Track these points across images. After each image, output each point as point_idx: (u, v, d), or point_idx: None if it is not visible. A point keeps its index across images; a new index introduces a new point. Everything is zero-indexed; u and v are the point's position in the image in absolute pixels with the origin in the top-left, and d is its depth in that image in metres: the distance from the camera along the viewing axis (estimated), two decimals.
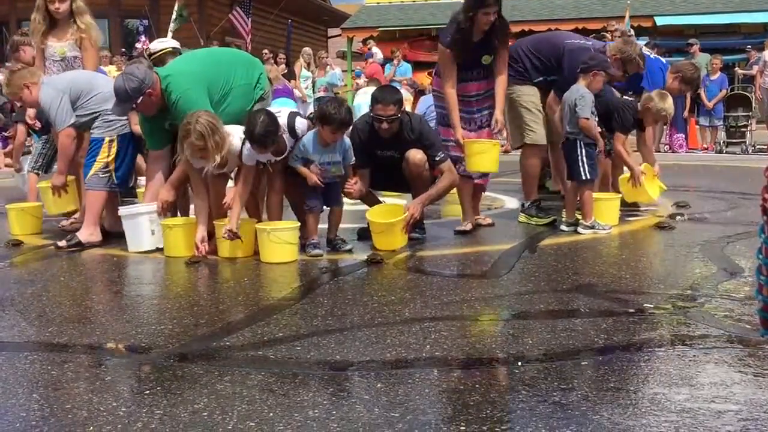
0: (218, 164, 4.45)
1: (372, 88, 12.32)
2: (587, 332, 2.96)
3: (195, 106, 4.52)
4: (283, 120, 4.54)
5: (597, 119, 5.24)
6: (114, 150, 5.07)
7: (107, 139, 5.06)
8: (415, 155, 4.88)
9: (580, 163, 5.18)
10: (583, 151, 5.18)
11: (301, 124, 4.62)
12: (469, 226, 5.30)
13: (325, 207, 4.74)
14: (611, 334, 2.93)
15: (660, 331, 2.97)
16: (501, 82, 5.25)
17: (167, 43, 5.83)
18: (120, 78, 4.61)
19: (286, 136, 4.54)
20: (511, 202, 6.80)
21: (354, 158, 4.80)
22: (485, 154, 5.07)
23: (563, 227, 5.27)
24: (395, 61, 15.25)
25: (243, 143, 4.49)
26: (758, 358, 2.62)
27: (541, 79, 5.57)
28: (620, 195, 5.80)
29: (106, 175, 5.07)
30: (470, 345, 2.84)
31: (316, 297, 3.64)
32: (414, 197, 5.08)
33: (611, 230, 5.21)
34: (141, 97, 4.53)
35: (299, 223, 4.63)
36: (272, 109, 4.70)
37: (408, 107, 9.65)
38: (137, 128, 5.06)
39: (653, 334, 2.94)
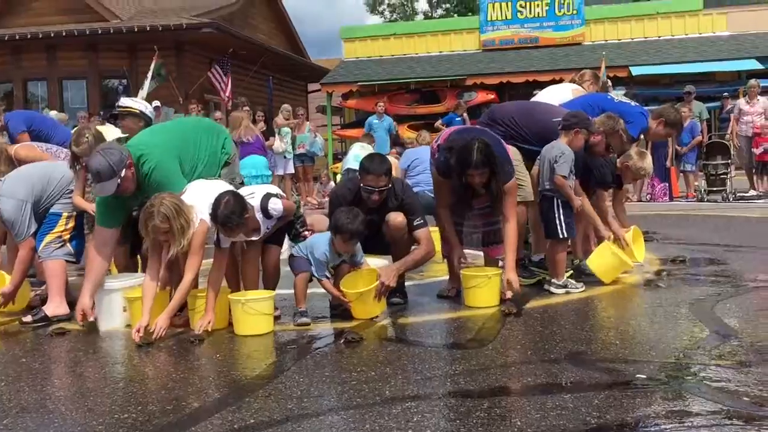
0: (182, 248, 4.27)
1: (367, 147, 12.36)
2: (578, 410, 2.80)
3: (170, 176, 4.42)
4: (256, 202, 4.46)
5: (575, 178, 5.16)
6: (71, 225, 4.93)
7: (65, 214, 4.91)
8: (396, 218, 4.78)
9: (557, 222, 5.08)
10: (560, 209, 5.08)
11: (275, 204, 4.51)
12: (453, 292, 5.14)
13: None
14: (603, 412, 2.77)
15: (654, 407, 2.81)
16: (511, 235, 4.81)
17: (137, 104, 5.70)
18: (98, 156, 4.33)
19: (259, 216, 4.45)
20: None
21: (361, 256, 4.76)
22: (484, 289, 4.76)
23: (552, 289, 5.12)
24: (377, 114, 15.27)
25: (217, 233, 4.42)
26: None
27: (525, 147, 5.40)
28: (631, 261, 5.63)
29: (60, 244, 4.89)
30: (454, 429, 2.67)
31: (292, 375, 3.46)
32: (394, 258, 4.96)
33: (583, 289, 5.09)
34: (124, 171, 4.35)
35: (274, 293, 4.48)
36: (246, 190, 4.62)
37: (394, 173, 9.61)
38: (79, 200, 4.92)
39: (648, 411, 2.78)
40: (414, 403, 2.96)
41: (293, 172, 14.14)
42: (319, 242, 4.60)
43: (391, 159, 10.71)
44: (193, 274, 4.34)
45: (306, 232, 4.86)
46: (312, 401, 3.05)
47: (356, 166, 9.93)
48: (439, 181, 5.00)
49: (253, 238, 4.53)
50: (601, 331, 4.03)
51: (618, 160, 5.74)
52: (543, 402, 2.90)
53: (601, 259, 5.32)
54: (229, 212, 4.21)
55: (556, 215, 5.09)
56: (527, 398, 2.98)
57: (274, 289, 4.65)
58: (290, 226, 4.81)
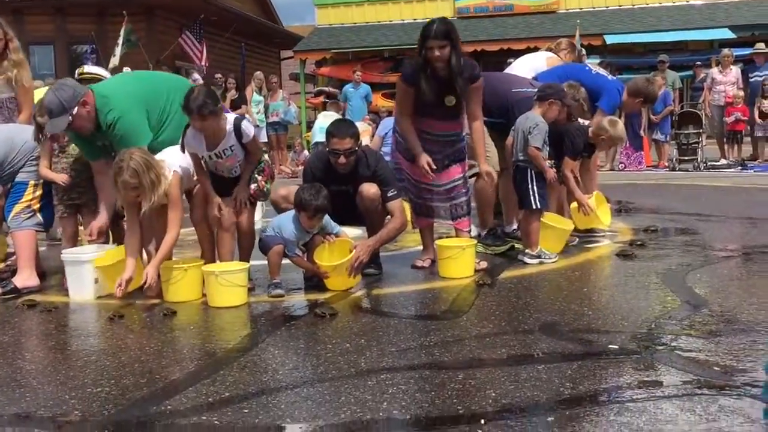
0: (154, 204, 4.29)
1: (332, 114, 12.25)
2: (552, 381, 2.82)
3: (135, 128, 4.41)
4: (229, 119, 4.45)
5: (548, 149, 5.16)
6: (39, 193, 4.86)
7: (32, 182, 4.83)
8: (369, 189, 4.76)
9: (531, 193, 5.10)
10: (534, 180, 5.09)
11: (248, 126, 4.51)
12: (427, 263, 5.15)
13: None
14: (577, 383, 2.79)
15: (627, 378, 2.84)
16: (477, 129, 4.93)
17: (102, 71, 5.60)
18: (50, 92, 4.40)
19: (230, 127, 4.43)
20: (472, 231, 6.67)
21: (340, 229, 4.73)
22: (458, 260, 4.78)
23: (526, 259, 5.15)
24: (355, 82, 15.15)
25: (183, 135, 4.40)
26: (729, 410, 2.50)
27: (486, 119, 5.37)
28: (571, 222, 5.69)
29: (30, 214, 4.82)
30: (429, 401, 2.68)
31: (267, 347, 3.45)
32: (368, 231, 4.94)
33: (557, 259, 5.12)
34: (76, 108, 4.30)
35: (248, 264, 4.45)
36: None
37: (367, 138, 9.53)
38: (45, 171, 4.85)
39: (620, 381, 2.82)
40: (389, 375, 2.96)
41: (266, 140, 14.03)
42: (286, 221, 4.56)
43: (364, 125, 10.68)
44: (177, 229, 4.36)
45: (261, 181, 4.67)
46: (287, 374, 3.05)
47: (322, 137, 9.88)
48: (403, 89, 4.90)
49: (223, 173, 4.53)
50: (574, 302, 4.06)
51: (590, 129, 5.75)
52: (517, 373, 2.92)
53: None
54: (203, 99, 4.21)
55: (530, 186, 5.10)
56: (501, 369, 2.99)
57: (248, 259, 4.62)
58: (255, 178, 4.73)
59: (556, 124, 5.27)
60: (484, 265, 4.98)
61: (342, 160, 4.67)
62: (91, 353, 3.52)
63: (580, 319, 3.72)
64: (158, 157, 4.35)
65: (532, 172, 5.10)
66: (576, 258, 5.29)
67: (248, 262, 4.57)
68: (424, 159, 4.82)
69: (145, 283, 4.33)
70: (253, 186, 4.60)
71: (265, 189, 4.68)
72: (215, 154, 4.46)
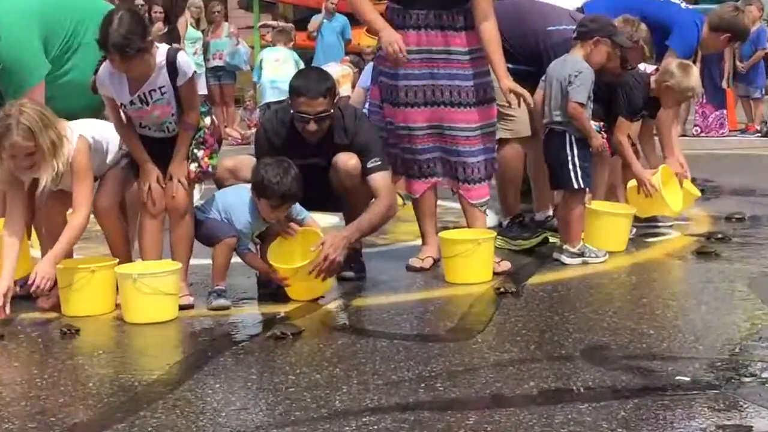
0: (56, 176, 4.24)
1: (285, 52, 12.14)
2: (598, 426, 2.85)
3: (25, 55, 4.43)
4: (160, 50, 4.45)
5: (592, 106, 5.16)
6: None
7: None
8: (347, 161, 4.74)
9: (570, 166, 5.10)
10: (575, 148, 5.11)
11: (186, 62, 4.50)
12: (428, 262, 5.15)
13: None
14: (632, 428, 2.82)
15: (700, 421, 2.88)
16: (488, 31, 4.95)
17: None
18: None
19: (161, 67, 4.40)
20: (490, 219, 6.68)
21: (308, 216, 4.75)
22: (471, 258, 4.76)
23: (564, 258, 5.18)
24: (326, 11, 15.09)
25: (96, 69, 4.41)
26: None
27: (509, 66, 5.38)
28: (632, 208, 5.71)
29: None
30: None
31: (205, 379, 3.46)
32: (346, 219, 4.95)
33: (606, 258, 5.16)
34: None
35: (179, 265, 4.45)
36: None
37: (348, 85, 9.49)
38: None
39: (692, 426, 2.85)
40: (374, 417, 2.97)
41: (206, 93, 13.99)
42: (237, 203, 4.55)
43: (343, 68, 10.59)
44: (86, 212, 4.34)
45: (204, 157, 4.63)
46: (232, 416, 3.05)
47: (274, 96, 9.81)
48: None
49: (150, 131, 4.53)
50: (630, 318, 4.08)
51: (653, 78, 5.74)
52: (551, 415, 2.94)
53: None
54: (126, 32, 4.17)
55: (569, 157, 5.11)
56: (529, 410, 3.01)
57: (186, 257, 4.61)
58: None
59: (605, 73, 5.27)
60: (506, 266, 4.99)
61: (312, 127, 4.66)
62: None
63: (639, 340, 3.74)
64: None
65: (572, 137, 5.11)
66: (633, 257, 5.31)
67: (184, 261, 4.55)
68: (392, 36, 4.85)
69: (32, 285, 4.31)
70: (192, 166, 4.57)
71: (209, 168, 4.64)
72: (139, 97, 4.44)
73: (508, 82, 4.96)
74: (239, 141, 13.62)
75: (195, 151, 4.59)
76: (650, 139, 6.09)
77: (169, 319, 4.28)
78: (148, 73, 4.39)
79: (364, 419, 2.96)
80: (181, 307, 4.40)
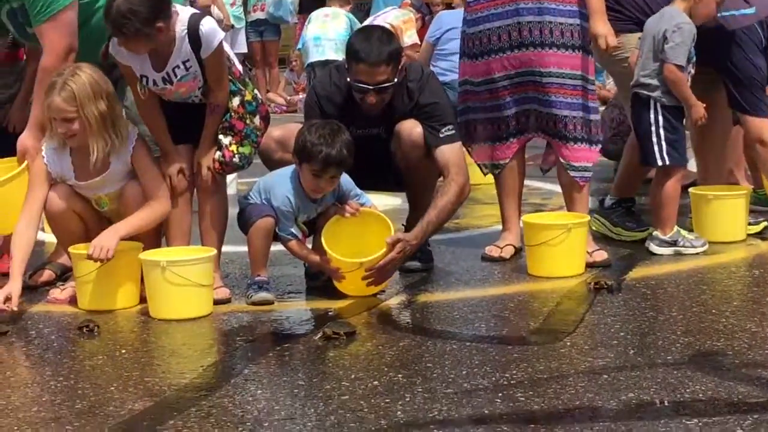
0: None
1: (338, 10, 12.11)
2: None
3: None
4: (182, 17, 4.47)
5: (692, 70, 5.14)
6: None
7: None
8: (411, 130, 4.77)
9: (654, 138, 5.11)
10: (660, 118, 5.10)
11: (211, 30, 4.50)
12: (508, 251, 5.18)
13: None
14: None
15: None
16: None
17: None
18: None
19: (183, 38, 4.46)
20: None
21: (369, 200, 4.78)
22: (559, 247, 4.76)
23: (653, 247, 5.18)
24: None
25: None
26: None
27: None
28: (746, 188, 5.65)
29: None
30: None
31: (245, 383, 3.52)
32: (410, 199, 5.00)
33: (705, 248, 5.14)
34: None
35: (214, 251, 4.52)
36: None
37: (413, 31, 9.42)
38: None
39: None
40: (442, 430, 3.00)
41: (246, 51, 14.05)
42: (279, 182, 4.60)
43: (403, 13, 10.46)
44: (168, 199, 4.51)
45: (229, 147, 4.62)
46: (276, 427, 3.09)
47: (318, 55, 9.79)
48: None
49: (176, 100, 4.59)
50: (750, 319, 4.07)
51: None
52: (652, 430, 2.94)
53: None
54: (128, 9, 4.22)
55: (653, 128, 5.11)
56: (627, 425, 3.01)
57: (219, 243, 4.69)
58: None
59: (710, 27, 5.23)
60: (601, 256, 4.98)
61: (371, 99, 4.69)
62: None
63: (760, 346, 3.72)
64: None
65: (657, 105, 5.10)
66: (756, 248, 5.30)
67: (217, 248, 4.63)
68: None
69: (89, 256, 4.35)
70: (216, 155, 4.62)
71: (234, 159, 4.63)
72: (162, 78, 4.50)
73: (600, 25, 4.95)
74: (284, 108, 13.67)
75: (220, 136, 4.63)
76: None
77: (202, 314, 4.34)
78: (167, 49, 4.45)
79: None
80: (216, 302, 4.48)
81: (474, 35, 5.08)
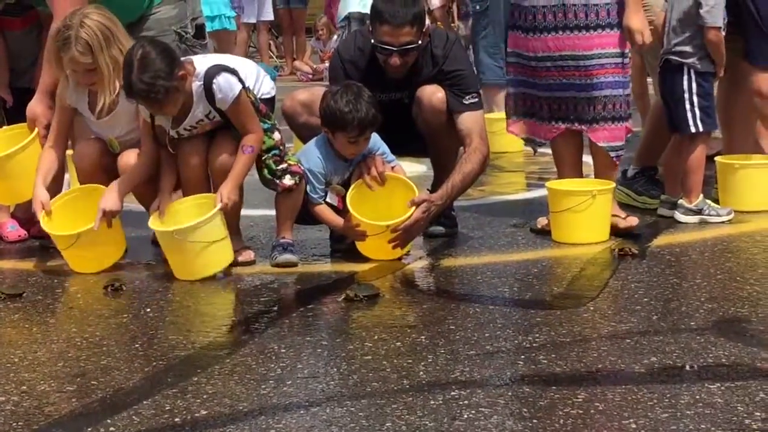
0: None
1: None
2: (732, 409, 2.83)
3: None
4: (199, 70, 4.42)
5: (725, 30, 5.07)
6: None
7: None
8: (432, 94, 4.77)
9: (687, 105, 5.06)
10: (693, 84, 5.06)
11: (226, 84, 4.41)
12: (542, 221, 5.10)
13: None
14: None
15: None
16: None
17: None
18: None
19: (198, 89, 4.41)
20: None
21: (395, 160, 4.76)
22: (584, 213, 4.74)
23: (678, 216, 5.15)
24: None
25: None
26: None
27: None
28: None
29: None
30: None
31: (268, 342, 3.53)
32: (434, 163, 5.01)
33: (731, 217, 5.11)
34: None
35: (218, 206, 4.40)
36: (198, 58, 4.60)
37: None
38: None
39: None
40: (464, 391, 3.00)
41: (272, 18, 14.04)
42: (310, 147, 4.62)
43: None
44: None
45: (285, 176, 4.54)
46: (299, 385, 3.11)
47: (357, 6, 9.73)
48: None
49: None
50: None
51: None
52: (674, 395, 2.93)
53: None
54: (151, 76, 4.18)
55: (687, 95, 5.07)
56: (649, 389, 3.01)
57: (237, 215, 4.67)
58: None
59: None
60: (629, 222, 4.95)
61: (395, 61, 4.68)
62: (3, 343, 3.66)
63: None
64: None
65: (691, 71, 5.06)
66: None
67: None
68: None
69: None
70: (286, 180, 4.52)
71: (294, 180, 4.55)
72: (181, 130, 4.50)
73: (634, 18, 4.83)
74: (310, 76, 13.68)
75: (273, 166, 4.55)
76: None
77: (224, 266, 4.39)
78: (188, 104, 4.44)
79: (452, 393, 2.99)
80: (240, 264, 4.50)
81: (522, 9, 5.00)
